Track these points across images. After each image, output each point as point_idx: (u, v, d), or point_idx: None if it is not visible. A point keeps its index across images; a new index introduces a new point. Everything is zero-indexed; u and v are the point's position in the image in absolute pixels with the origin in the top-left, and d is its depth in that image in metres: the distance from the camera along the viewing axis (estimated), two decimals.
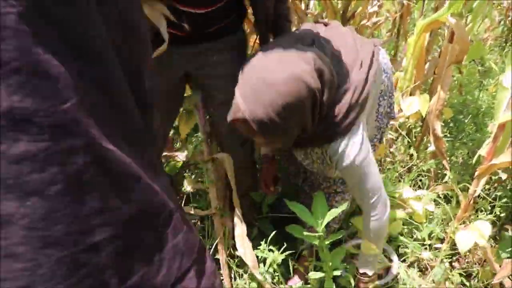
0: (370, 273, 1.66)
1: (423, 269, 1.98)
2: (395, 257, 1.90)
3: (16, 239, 0.42)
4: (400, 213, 1.94)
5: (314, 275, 1.51)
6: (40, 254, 0.43)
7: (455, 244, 2.04)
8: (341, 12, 2.64)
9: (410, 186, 2.40)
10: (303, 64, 1.21)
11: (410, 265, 1.98)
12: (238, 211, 1.75)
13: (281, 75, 1.18)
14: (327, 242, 1.50)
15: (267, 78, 1.18)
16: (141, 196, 0.55)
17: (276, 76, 1.18)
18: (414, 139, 2.54)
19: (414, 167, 2.38)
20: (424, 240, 2.02)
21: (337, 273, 1.53)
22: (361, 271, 1.67)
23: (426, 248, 2.01)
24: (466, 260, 2.09)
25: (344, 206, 1.53)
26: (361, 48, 1.47)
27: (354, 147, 1.38)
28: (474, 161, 1.79)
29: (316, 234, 1.46)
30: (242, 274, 1.90)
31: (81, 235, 0.47)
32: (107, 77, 0.51)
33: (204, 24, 1.46)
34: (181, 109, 1.90)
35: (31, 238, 0.43)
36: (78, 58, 0.46)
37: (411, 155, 2.48)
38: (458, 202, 2.06)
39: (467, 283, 1.92)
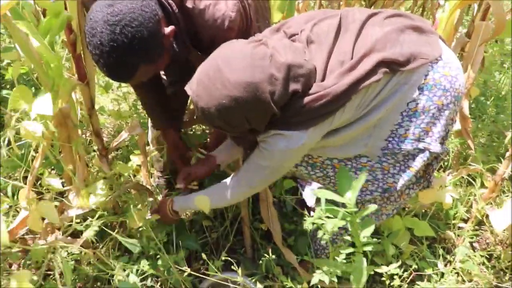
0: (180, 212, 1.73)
1: (446, 249, 1.97)
2: None
3: None
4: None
5: (345, 250, 1.48)
6: None
7: (477, 224, 2.04)
8: None
9: None
10: (264, 73, 1.22)
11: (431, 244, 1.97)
12: None
13: (238, 78, 1.20)
14: (358, 219, 1.45)
15: (224, 74, 1.22)
16: None
17: (233, 78, 1.21)
18: None
19: None
20: (448, 219, 2.01)
21: (368, 248, 1.50)
22: (175, 207, 1.68)
23: (450, 228, 2.00)
24: (486, 241, 2.09)
25: (364, 175, 1.38)
26: (371, 51, 1.33)
27: (281, 142, 1.33)
28: (506, 141, 1.76)
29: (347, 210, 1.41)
30: (265, 246, 1.89)
31: None
32: None
33: None
34: None
35: None
36: None
37: None
38: (482, 183, 2.04)
39: (488, 264, 1.91)
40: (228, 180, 1.58)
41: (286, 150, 1.33)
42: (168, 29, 1.31)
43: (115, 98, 2.46)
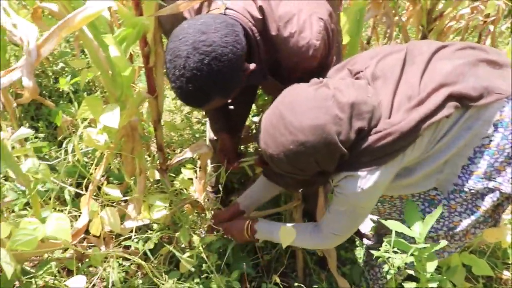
0: (260, 237, 1.62)
1: None
2: None
3: None
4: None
5: (408, 284, 1.44)
6: None
7: None
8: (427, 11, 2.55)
9: None
10: (328, 114, 1.21)
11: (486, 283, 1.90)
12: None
13: (304, 122, 1.20)
14: (426, 254, 1.40)
15: (288, 119, 1.22)
16: None
17: (297, 122, 1.20)
18: None
19: None
20: (507, 258, 1.93)
21: (432, 284, 1.44)
22: (256, 227, 1.58)
23: (508, 268, 1.93)
24: None
25: (439, 210, 1.32)
26: (441, 85, 1.27)
27: (353, 184, 1.30)
28: None
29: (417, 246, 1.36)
30: (318, 272, 1.85)
31: None
32: None
33: None
34: None
35: None
36: None
37: None
38: None
39: None
40: (315, 224, 1.55)
41: (360, 192, 1.30)
42: (250, 66, 1.30)
43: (169, 110, 2.47)
